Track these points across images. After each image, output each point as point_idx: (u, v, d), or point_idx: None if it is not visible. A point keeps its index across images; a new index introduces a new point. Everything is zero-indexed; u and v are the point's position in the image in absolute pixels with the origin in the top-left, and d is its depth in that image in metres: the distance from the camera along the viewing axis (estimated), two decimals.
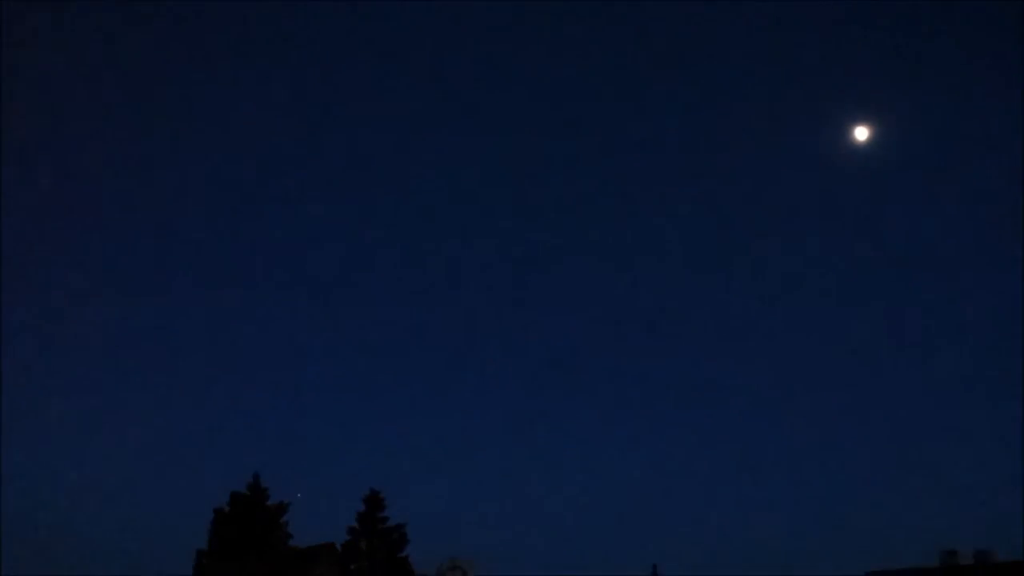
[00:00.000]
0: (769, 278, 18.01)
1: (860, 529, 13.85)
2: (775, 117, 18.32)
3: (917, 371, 16.34)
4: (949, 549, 11.70)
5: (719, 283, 18.42)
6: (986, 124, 16.85)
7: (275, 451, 15.36)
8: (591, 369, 17.68)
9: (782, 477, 15.50)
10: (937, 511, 13.51)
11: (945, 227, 16.93)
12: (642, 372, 17.61)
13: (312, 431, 16.39)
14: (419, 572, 12.94)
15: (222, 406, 16.56)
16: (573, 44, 19.29)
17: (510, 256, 19.08)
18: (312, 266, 18.77)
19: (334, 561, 12.75)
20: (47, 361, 16.67)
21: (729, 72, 18.58)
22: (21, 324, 16.12)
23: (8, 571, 12.24)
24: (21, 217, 16.24)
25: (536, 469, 16.18)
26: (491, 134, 19.40)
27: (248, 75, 19.42)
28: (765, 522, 14.45)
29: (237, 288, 18.18)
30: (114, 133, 18.74)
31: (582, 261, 19.05)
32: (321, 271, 19.01)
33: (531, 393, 17.59)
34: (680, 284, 18.43)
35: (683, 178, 18.99)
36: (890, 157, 15.95)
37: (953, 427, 15.12)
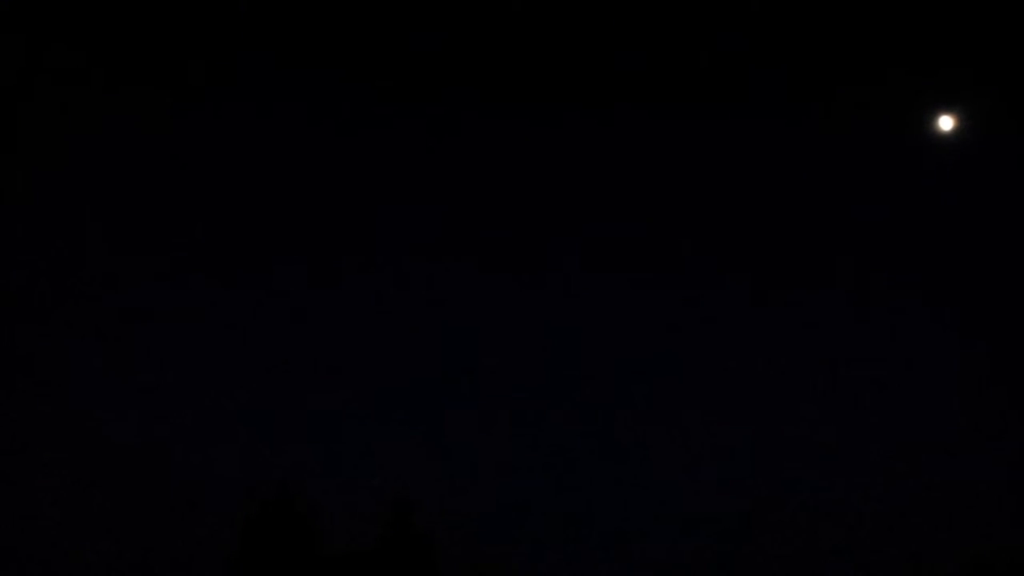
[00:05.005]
0: (840, 272, 17.09)
1: (887, 538, 13.46)
2: (845, 101, 16.92)
3: (976, 368, 15.40)
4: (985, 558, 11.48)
5: (785, 277, 17.50)
6: None
7: (305, 457, 15.14)
8: (642, 372, 17.09)
9: (808, 477, 15.00)
10: (970, 519, 13.04)
11: None
12: (699, 374, 16.99)
13: (342, 436, 16.16)
14: None
15: (249, 407, 16.33)
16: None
17: (543, 246, 18.42)
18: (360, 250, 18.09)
19: (364, 567, 12.67)
20: (54, 352, 16.30)
21: (787, 55, 17.58)
22: (30, 315, 15.77)
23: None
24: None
25: (575, 477, 15.80)
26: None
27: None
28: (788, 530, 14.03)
29: (270, 284, 17.78)
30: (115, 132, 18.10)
31: (632, 250, 18.20)
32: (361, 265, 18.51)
33: (570, 398, 17.15)
34: (736, 278, 17.63)
35: (746, 164, 18.06)
36: (977, 150, 14.57)
37: (993, 431, 14.53)
